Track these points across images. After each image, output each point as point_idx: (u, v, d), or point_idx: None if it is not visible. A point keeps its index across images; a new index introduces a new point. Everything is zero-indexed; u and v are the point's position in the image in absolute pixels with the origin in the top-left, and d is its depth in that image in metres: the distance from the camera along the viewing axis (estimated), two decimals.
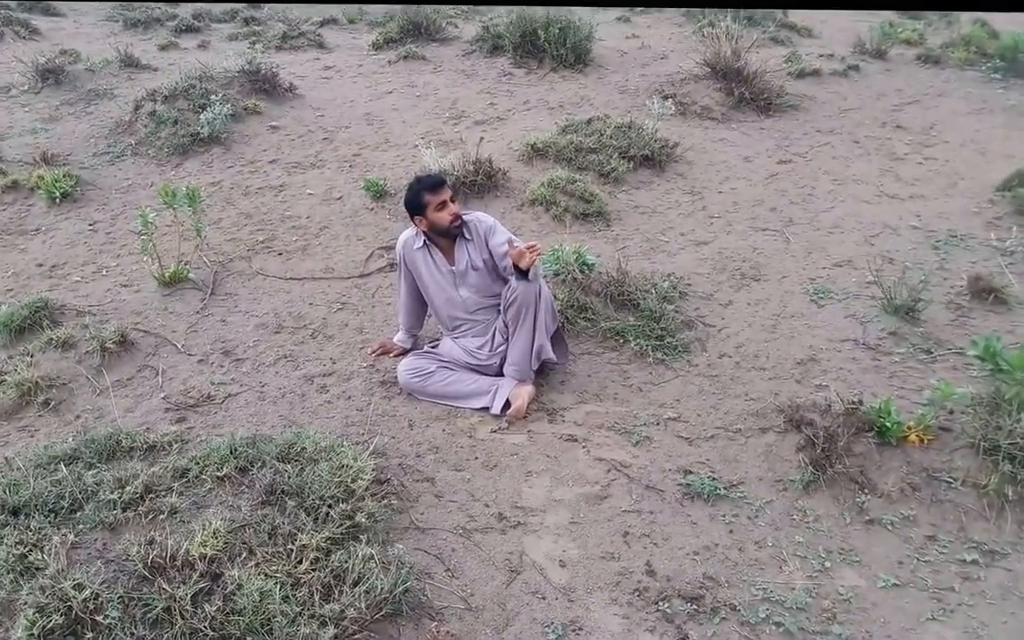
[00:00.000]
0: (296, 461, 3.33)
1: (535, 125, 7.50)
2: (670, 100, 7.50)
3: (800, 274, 5.29)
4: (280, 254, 5.43)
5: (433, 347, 4.27)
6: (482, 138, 6.64)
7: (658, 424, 3.93)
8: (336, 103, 8.16)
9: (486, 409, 4.00)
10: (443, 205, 4.01)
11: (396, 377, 4.17)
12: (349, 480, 3.21)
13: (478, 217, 4.20)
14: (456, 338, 4.22)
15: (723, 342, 4.58)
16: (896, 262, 5.42)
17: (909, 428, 3.64)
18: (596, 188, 6.12)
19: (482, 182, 6.04)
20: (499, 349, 4.15)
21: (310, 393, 4.09)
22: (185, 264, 5.06)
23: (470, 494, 3.47)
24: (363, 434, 3.79)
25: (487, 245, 4.13)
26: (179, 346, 4.46)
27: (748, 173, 6.83)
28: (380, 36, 10.36)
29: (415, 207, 4.06)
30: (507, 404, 3.98)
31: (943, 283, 5.07)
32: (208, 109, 6.91)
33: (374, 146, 7.11)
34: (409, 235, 4.22)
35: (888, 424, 3.61)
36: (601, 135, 6.76)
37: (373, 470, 3.36)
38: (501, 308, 4.13)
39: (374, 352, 4.33)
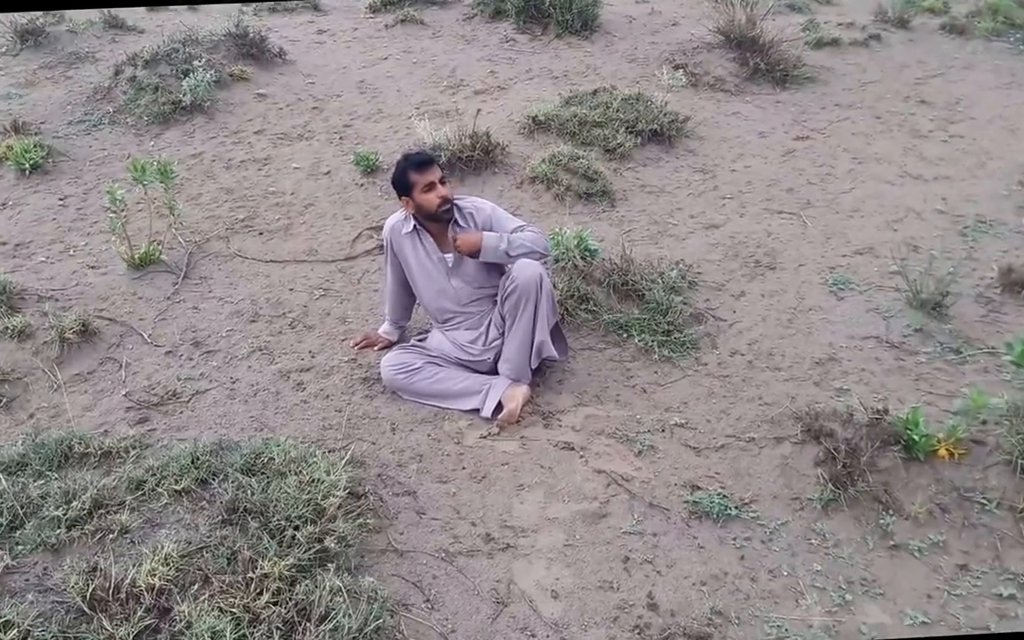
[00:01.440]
0: (262, 474, 3.05)
1: (537, 95, 7.15)
2: (681, 71, 7.13)
3: (818, 262, 4.96)
4: (261, 234, 5.12)
5: (421, 340, 3.98)
6: (479, 111, 6.29)
7: (663, 431, 3.64)
8: (328, 69, 7.80)
9: (476, 411, 3.70)
10: (431, 186, 3.71)
11: (380, 373, 3.87)
12: (320, 497, 2.93)
13: (475, 204, 3.89)
14: (446, 331, 3.91)
15: (735, 338, 4.27)
16: (921, 250, 5.10)
17: (939, 441, 3.34)
18: (601, 165, 5.79)
19: (479, 158, 5.71)
20: (494, 343, 3.85)
21: (285, 391, 3.79)
22: (157, 244, 4.76)
23: (455, 510, 3.19)
24: (341, 439, 3.50)
25: (490, 228, 3.82)
26: (146, 336, 4.16)
27: (763, 150, 6.49)
28: None
29: (401, 186, 3.77)
30: (499, 407, 3.68)
31: (972, 274, 4.75)
32: (191, 75, 6.56)
33: (366, 116, 6.77)
34: (397, 218, 3.92)
35: (916, 437, 3.31)
36: (607, 108, 6.41)
37: (348, 482, 3.08)
38: (498, 299, 3.82)
39: (357, 345, 4.03)
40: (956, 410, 3.45)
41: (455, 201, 3.79)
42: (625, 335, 4.22)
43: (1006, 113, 7.31)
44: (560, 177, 5.55)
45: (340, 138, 6.35)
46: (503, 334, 3.81)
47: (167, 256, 4.80)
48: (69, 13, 9.43)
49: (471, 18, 9.43)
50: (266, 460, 3.09)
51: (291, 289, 4.57)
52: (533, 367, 3.80)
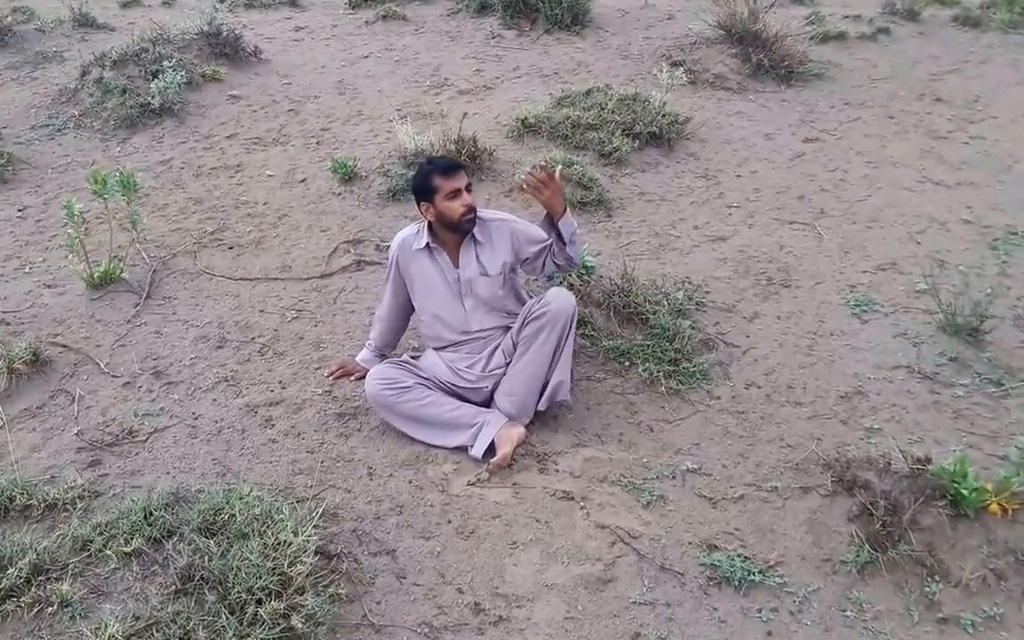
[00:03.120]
0: (223, 533, 2.71)
1: (526, 95, 6.80)
2: (680, 68, 6.78)
3: (837, 279, 4.63)
4: (231, 248, 4.76)
5: (414, 358, 3.63)
6: (465, 114, 5.93)
7: (674, 477, 3.30)
8: (305, 69, 7.44)
9: (464, 448, 3.35)
10: (456, 194, 3.39)
11: (356, 408, 3.53)
12: (286, 563, 2.59)
13: (498, 216, 3.60)
14: (443, 351, 3.57)
15: (750, 367, 3.93)
16: (948, 265, 4.76)
17: (987, 491, 2.99)
18: (596, 171, 5.45)
19: (465, 164, 5.34)
20: (494, 371, 3.51)
21: (252, 428, 3.45)
22: (119, 261, 4.40)
23: (440, 574, 2.84)
24: (312, 485, 3.15)
25: (512, 248, 3.53)
26: (102, 365, 3.82)
27: (770, 153, 6.15)
28: None
29: (423, 191, 3.45)
30: (491, 447, 3.33)
31: (1007, 293, 4.42)
32: (160, 76, 6.19)
33: (345, 119, 6.42)
34: (408, 233, 3.59)
35: (965, 491, 2.96)
36: (602, 109, 6.06)
37: (319, 542, 2.73)
38: (518, 323, 3.50)
39: (331, 374, 3.68)
40: (1012, 460, 3.11)
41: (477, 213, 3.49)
42: (628, 364, 3.88)
43: None
44: None
45: (317, 143, 6.00)
46: (508, 363, 3.48)
47: (129, 274, 4.44)
48: (38, 10, 9.08)
49: (455, 13, 9.07)
50: (227, 517, 2.74)
51: (261, 311, 4.22)
52: (540, 409, 3.47)
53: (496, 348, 3.54)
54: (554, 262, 3.53)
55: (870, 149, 6.27)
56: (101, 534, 2.75)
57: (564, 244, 3.46)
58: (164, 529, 2.70)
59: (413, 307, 3.65)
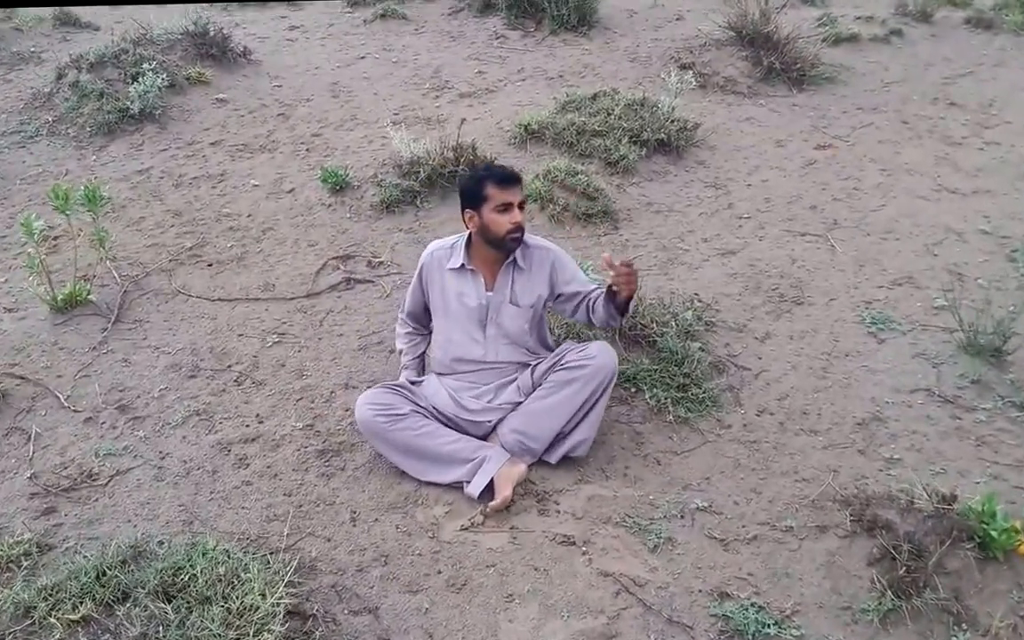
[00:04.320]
0: (182, 596, 2.45)
1: (530, 99, 6.57)
2: (689, 72, 6.55)
3: (851, 295, 4.39)
4: (210, 265, 4.52)
5: (414, 383, 3.38)
6: (464, 120, 5.70)
7: (682, 517, 3.06)
8: (298, 70, 7.21)
9: (460, 485, 3.11)
10: (507, 208, 3.14)
11: (340, 444, 3.29)
12: (251, 632, 2.33)
13: (541, 244, 3.36)
14: (445, 377, 3.34)
15: (762, 392, 3.69)
16: (966, 279, 4.54)
17: (1016, 532, 2.77)
18: (602, 181, 5.22)
19: (463, 174, 5.11)
20: (503, 405, 3.28)
21: (224, 469, 3.21)
22: (86, 281, 4.15)
23: (428, 634, 2.61)
24: (288, 534, 2.91)
25: (549, 280, 3.30)
26: (63, 398, 3.57)
27: (781, 161, 5.91)
28: None
29: (471, 197, 3.18)
30: (488, 486, 3.09)
31: None
32: (140, 80, 5.95)
33: (338, 124, 6.18)
34: (442, 247, 3.34)
35: (994, 533, 2.74)
36: (608, 114, 5.83)
37: (293, 601, 2.49)
38: (547, 363, 3.27)
39: None
40: None
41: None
42: (634, 389, 3.65)
43: None
44: (556, 195, 4.97)
45: (307, 150, 5.76)
46: (521, 401, 3.25)
47: (98, 295, 4.20)
48: (18, 9, 8.83)
49: (458, 12, 8.85)
50: (188, 578, 2.49)
51: (240, 334, 3.98)
52: (549, 461, 3.25)
53: (509, 383, 3.30)
54: (589, 316, 3.31)
55: (884, 156, 6.04)
56: (47, 599, 2.48)
57: (621, 317, 3.25)
58: (118, 591, 2.46)
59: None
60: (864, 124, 6.56)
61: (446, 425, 3.25)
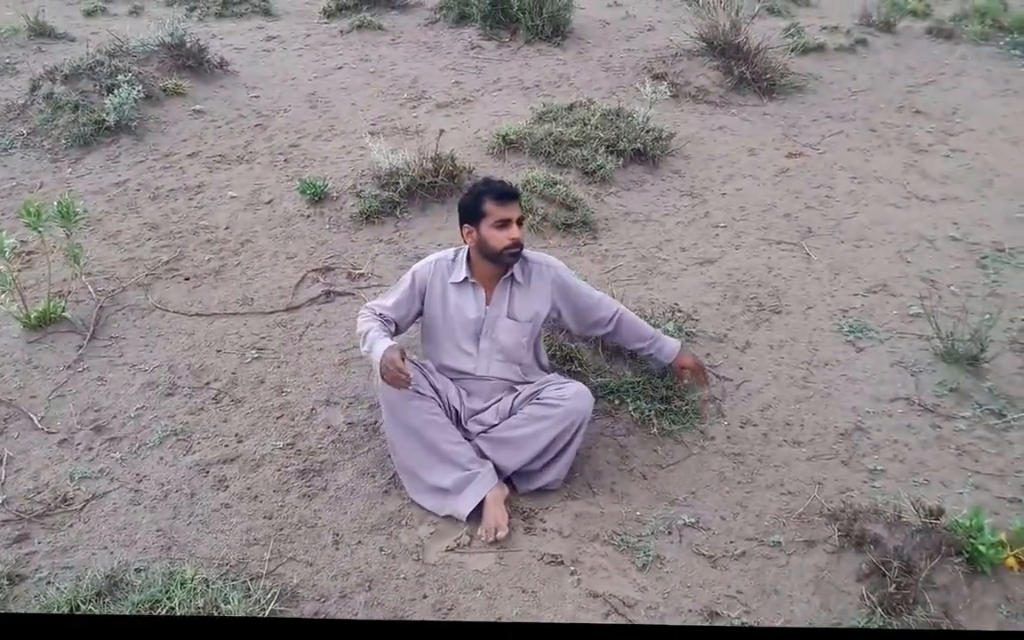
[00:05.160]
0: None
1: (507, 109, 6.43)
2: (664, 83, 6.44)
3: (828, 303, 4.30)
4: (188, 279, 4.33)
5: (429, 370, 3.18)
6: (442, 131, 5.54)
7: (670, 533, 2.94)
8: (275, 81, 7.02)
9: (445, 491, 2.97)
10: (505, 224, 3.03)
11: (322, 463, 3.14)
12: None
13: (545, 261, 3.24)
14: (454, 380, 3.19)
15: (744, 403, 3.58)
16: (939, 285, 4.46)
17: (1003, 546, 2.68)
18: (580, 191, 5.09)
19: (443, 183, 4.98)
20: (483, 420, 3.15)
21: (202, 491, 3.04)
22: (61, 297, 3.96)
23: None
24: (269, 559, 2.75)
25: (550, 296, 3.19)
26: (36, 420, 3.38)
27: (754, 169, 5.82)
28: (332, 2, 9.15)
29: (470, 213, 3.08)
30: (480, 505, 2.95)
31: (999, 314, 4.10)
32: (115, 92, 5.73)
33: (316, 134, 6.00)
34: (445, 259, 3.20)
35: (982, 547, 2.64)
36: (585, 124, 5.71)
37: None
38: (525, 392, 3.14)
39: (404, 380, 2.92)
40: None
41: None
42: (617, 402, 3.52)
43: (1006, 124, 6.74)
44: (535, 206, 4.83)
45: (285, 160, 5.58)
46: (496, 423, 3.13)
47: (72, 312, 4.00)
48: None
49: (433, 23, 8.70)
50: (165, 612, 2.32)
51: (218, 351, 3.81)
52: (520, 489, 3.11)
53: (493, 403, 3.17)
54: (604, 337, 3.36)
55: (854, 163, 5.97)
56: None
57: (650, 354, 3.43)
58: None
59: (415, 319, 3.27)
60: (833, 132, 6.49)
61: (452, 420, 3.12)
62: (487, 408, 3.15)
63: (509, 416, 3.11)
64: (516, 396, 3.14)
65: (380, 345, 2.91)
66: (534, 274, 3.18)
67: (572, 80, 7.15)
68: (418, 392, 3.00)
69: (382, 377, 2.87)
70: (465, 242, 3.13)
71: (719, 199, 5.37)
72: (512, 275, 3.13)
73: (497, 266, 3.10)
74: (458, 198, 4.90)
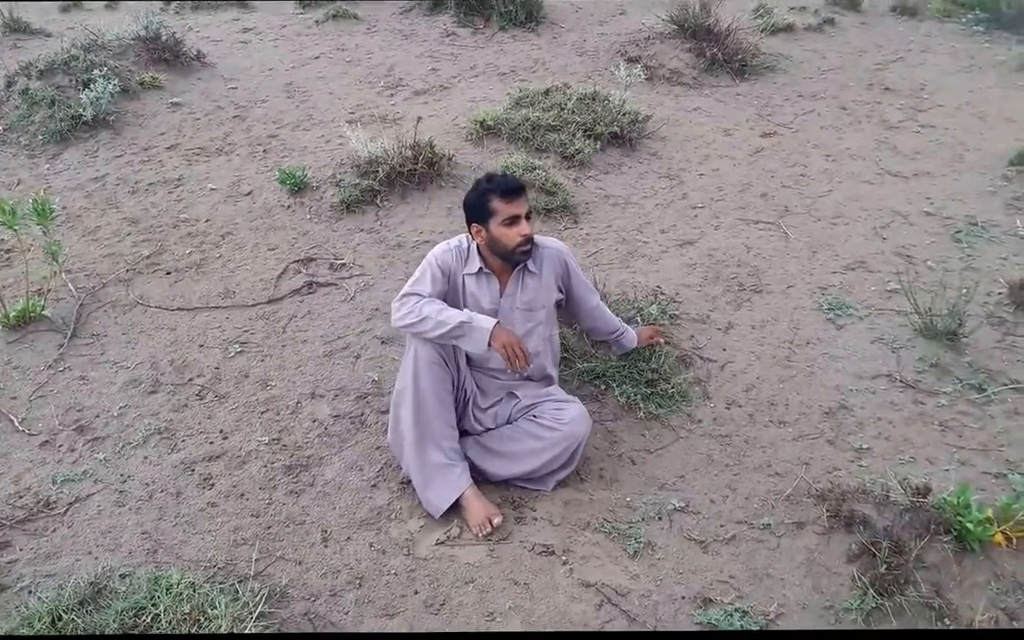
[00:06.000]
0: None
1: (484, 95, 6.28)
2: (638, 66, 6.30)
3: (807, 281, 4.21)
4: (169, 274, 4.17)
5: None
6: (420, 119, 5.39)
7: (660, 519, 2.84)
8: (252, 72, 6.81)
9: (426, 475, 2.83)
10: (515, 220, 2.84)
11: (308, 458, 3.02)
12: None
13: (553, 246, 3.06)
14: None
15: (729, 384, 3.49)
16: (915, 260, 4.39)
17: (991, 522, 2.61)
18: (559, 175, 4.97)
19: (423, 171, 4.83)
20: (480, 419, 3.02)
21: (188, 490, 2.90)
22: (40, 295, 3.79)
23: None
24: (257, 559, 2.62)
25: (560, 280, 3.05)
26: (17, 422, 3.22)
27: (730, 149, 5.71)
28: None
29: (477, 212, 2.88)
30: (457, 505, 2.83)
31: (976, 288, 4.03)
32: (91, 86, 5.52)
33: (294, 124, 5.83)
34: (458, 248, 2.97)
35: (970, 524, 2.57)
36: (562, 109, 5.57)
37: (264, 631, 2.21)
38: (524, 402, 3.01)
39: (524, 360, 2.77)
40: (1015, 489, 2.72)
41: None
42: (604, 387, 3.42)
43: (972, 99, 6.68)
44: None
45: (264, 151, 5.40)
46: (492, 427, 3.02)
47: (53, 310, 3.83)
48: None
49: (408, 11, 8.50)
50: (151, 618, 2.20)
51: (201, 345, 3.66)
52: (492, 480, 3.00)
53: (491, 405, 3.03)
54: (585, 324, 3.31)
55: (827, 141, 5.88)
56: None
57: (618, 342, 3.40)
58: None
59: None
60: (806, 111, 6.40)
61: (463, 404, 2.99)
62: (488, 409, 3.02)
63: (507, 422, 2.99)
64: (516, 404, 3.01)
65: (482, 318, 2.75)
66: (545, 261, 3.01)
67: (547, 65, 7.01)
68: (445, 362, 2.84)
69: (499, 352, 2.72)
70: (474, 239, 2.94)
71: (696, 180, 5.26)
72: (525, 265, 2.97)
73: (508, 262, 2.93)
74: (439, 185, 4.83)
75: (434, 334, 2.74)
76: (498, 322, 2.77)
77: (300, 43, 7.65)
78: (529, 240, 2.88)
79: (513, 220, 2.83)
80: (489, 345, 2.72)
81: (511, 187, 2.85)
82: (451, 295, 2.94)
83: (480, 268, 2.94)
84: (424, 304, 2.77)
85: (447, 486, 2.81)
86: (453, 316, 2.73)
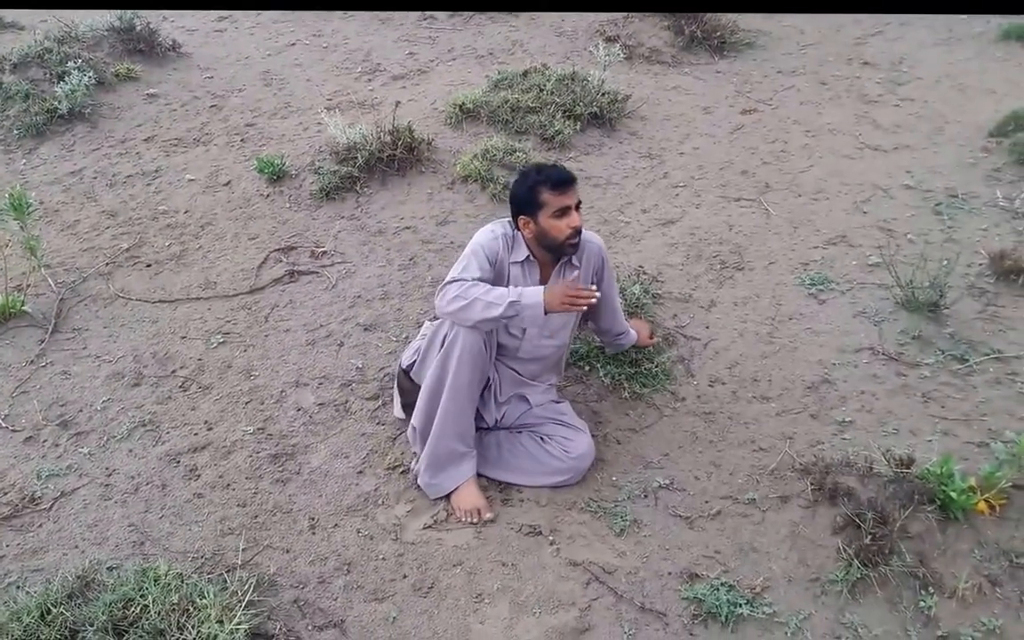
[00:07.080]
0: (134, 630, 2.16)
1: (462, 78, 6.25)
2: (616, 45, 6.29)
3: (789, 257, 4.24)
4: (149, 266, 4.15)
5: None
6: (399, 103, 5.37)
7: (646, 496, 2.87)
8: (228, 61, 6.75)
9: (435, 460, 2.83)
10: (565, 211, 2.76)
11: (294, 447, 3.02)
12: None
13: (594, 241, 2.99)
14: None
15: (712, 361, 3.52)
16: (896, 234, 4.43)
17: (973, 490, 2.66)
18: (540, 157, 4.96)
19: (402, 156, 4.82)
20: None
21: (174, 482, 2.90)
22: (19, 291, 3.77)
23: None
24: (244, 548, 2.63)
25: (595, 274, 2.99)
26: (0, 418, 3.20)
27: (710, 127, 5.72)
28: None
29: (526, 204, 2.79)
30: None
31: (957, 260, 4.07)
32: (66, 79, 5.47)
33: (272, 112, 5.79)
34: (504, 234, 2.89)
35: (953, 494, 2.61)
36: (541, 91, 5.56)
37: (254, 621, 2.23)
38: (535, 414, 3.03)
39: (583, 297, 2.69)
40: (997, 457, 2.76)
41: None
42: (588, 368, 3.43)
43: (951, 71, 6.70)
44: (496, 174, 4.70)
45: (242, 140, 5.37)
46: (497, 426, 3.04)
47: (33, 305, 3.80)
48: None
49: None
50: (139, 609, 2.21)
51: (183, 337, 3.65)
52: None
53: (507, 400, 3.04)
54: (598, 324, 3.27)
55: (807, 117, 5.90)
56: None
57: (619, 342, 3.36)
58: (65, 630, 2.17)
59: None
60: (786, 87, 6.41)
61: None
62: (502, 404, 3.02)
63: (513, 425, 3.02)
64: (526, 410, 3.02)
65: (529, 292, 2.66)
66: (584, 253, 2.95)
67: (526, 47, 6.98)
68: (485, 348, 2.78)
69: (561, 311, 2.67)
70: (521, 231, 2.86)
71: (677, 159, 5.27)
72: (569, 258, 2.91)
73: (555, 254, 2.87)
74: (419, 170, 4.81)
75: (483, 316, 2.65)
76: (543, 288, 2.68)
77: (276, 30, 7.59)
78: (579, 232, 2.79)
79: (564, 211, 2.75)
80: (546, 312, 2.66)
81: (563, 178, 2.77)
82: (496, 283, 2.85)
83: (527, 257, 2.87)
84: (470, 287, 2.68)
85: (456, 472, 2.83)
86: (501, 296, 2.65)
